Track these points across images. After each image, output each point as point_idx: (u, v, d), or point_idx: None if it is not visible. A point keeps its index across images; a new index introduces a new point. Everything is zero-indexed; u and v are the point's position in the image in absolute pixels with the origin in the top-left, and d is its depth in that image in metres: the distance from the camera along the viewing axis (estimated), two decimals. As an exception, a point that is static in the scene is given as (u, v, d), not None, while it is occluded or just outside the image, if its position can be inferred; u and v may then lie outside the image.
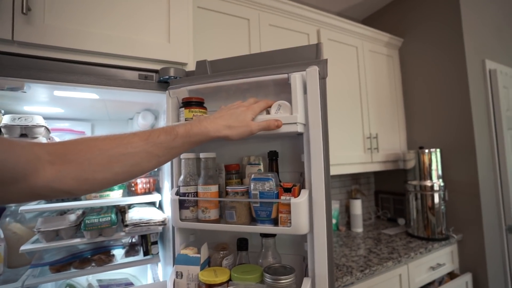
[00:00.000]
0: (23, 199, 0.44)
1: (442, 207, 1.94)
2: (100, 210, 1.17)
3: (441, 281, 1.96)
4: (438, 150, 2.00)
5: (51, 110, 1.28)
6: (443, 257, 1.92)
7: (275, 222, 0.71)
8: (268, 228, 0.69)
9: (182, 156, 0.80)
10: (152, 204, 1.27)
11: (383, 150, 2.21)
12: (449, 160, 2.04)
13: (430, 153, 2.01)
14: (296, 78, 0.67)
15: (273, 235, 0.78)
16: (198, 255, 0.74)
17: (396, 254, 1.71)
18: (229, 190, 0.74)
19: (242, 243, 0.79)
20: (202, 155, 0.77)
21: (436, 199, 1.97)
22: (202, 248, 0.77)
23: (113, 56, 0.97)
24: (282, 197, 0.69)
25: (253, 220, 0.75)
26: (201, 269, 0.75)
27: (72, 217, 1.01)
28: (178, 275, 0.74)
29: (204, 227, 0.75)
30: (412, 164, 2.09)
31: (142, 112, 1.30)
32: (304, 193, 0.68)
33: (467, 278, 1.90)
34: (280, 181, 0.72)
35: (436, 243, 1.88)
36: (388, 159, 2.23)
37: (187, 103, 0.81)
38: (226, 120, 0.60)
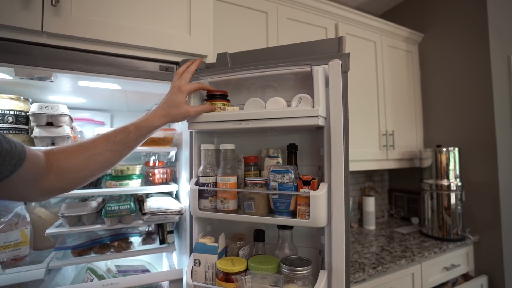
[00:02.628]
0: (41, 196, 0.57)
1: (459, 207, 1.90)
2: (119, 198, 1.21)
3: (455, 282, 1.92)
4: (456, 149, 1.95)
5: (73, 100, 1.32)
6: (458, 258, 1.88)
7: (293, 214, 0.72)
8: (286, 220, 0.70)
9: (202, 146, 0.81)
10: (169, 194, 1.30)
11: (399, 148, 2.17)
12: (467, 159, 1.98)
13: (448, 151, 1.96)
14: (318, 71, 0.67)
15: (290, 227, 0.79)
16: (216, 244, 0.76)
17: (409, 253, 1.69)
18: (248, 181, 0.75)
19: (259, 234, 0.80)
20: (221, 146, 0.78)
21: (453, 199, 1.93)
22: (220, 238, 0.79)
23: (136, 47, 0.99)
24: (301, 190, 0.69)
25: (271, 212, 0.76)
26: (218, 258, 0.77)
27: (94, 203, 1.05)
28: (196, 263, 0.76)
29: (222, 217, 0.76)
30: (429, 162, 2.05)
31: (161, 103, 1.33)
32: (323, 187, 0.68)
33: (483, 280, 1.86)
34: (299, 174, 0.73)
35: (451, 243, 1.84)
36: (403, 157, 2.19)
37: (211, 96, 0.82)
38: (163, 109, 0.71)
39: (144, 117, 0.70)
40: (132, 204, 1.09)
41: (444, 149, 1.96)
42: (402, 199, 2.53)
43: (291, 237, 0.79)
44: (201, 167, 0.81)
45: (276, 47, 0.87)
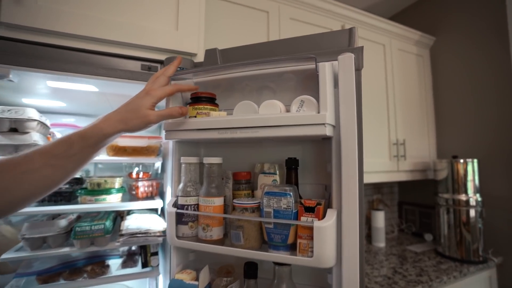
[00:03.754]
0: None
1: (479, 225, 1.72)
2: (96, 214, 1.06)
3: (475, 309, 1.73)
4: (475, 160, 1.78)
5: (52, 103, 1.19)
6: (480, 283, 1.69)
7: (292, 248, 0.57)
8: (283, 257, 0.54)
9: (182, 160, 0.67)
10: (154, 210, 1.16)
11: (411, 158, 2.01)
12: (487, 172, 1.81)
13: (465, 163, 1.79)
14: (325, 68, 0.53)
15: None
16: (195, 283, 0.61)
17: (425, 277, 1.51)
18: (237, 205, 0.60)
19: (250, 269, 0.65)
20: (205, 160, 0.64)
21: (472, 216, 1.75)
22: (202, 273, 0.63)
23: (114, 43, 0.86)
24: (302, 218, 0.54)
25: (264, 244, 0.60)
26: (199, 299, 0.61)
27: (63, 222, 0.90)
28: (171, 305, 0.61)
29: (204, 248, 0.61)
30: (444, 174, 1.88)
31: (148, 108, 1.19)
32: (331, 215, 0.53)
33: (507, 307, 1.66)
34: (300, 197, 0.57)
35: (472, 266, 1.66)
36: (416, 168, 2.03)
37: (196, 99, 0.68)
38: (120, 114, 0.57)
39: (93, 123, 0.56)
40: (108, 223, 0.95)
41: (462, 161, 1.79)
42: (414, 213, 2.35)
43: (289, 274, 0.63)
44: (181, 185, 0.66)
45: (274, 41, 0.73)
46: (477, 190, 1.74)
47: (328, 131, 0.51)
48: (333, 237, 0.52)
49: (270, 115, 0.54)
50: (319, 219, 0.53)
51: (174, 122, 0.64)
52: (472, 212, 1.73)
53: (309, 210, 0.54)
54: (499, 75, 1.77)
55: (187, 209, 0.64)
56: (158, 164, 1.16)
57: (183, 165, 0.67)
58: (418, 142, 2.07)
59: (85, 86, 0.90)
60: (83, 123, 1.42)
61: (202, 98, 0.67)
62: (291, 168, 0.62)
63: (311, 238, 0.53)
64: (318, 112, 0.53)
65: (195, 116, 0.66)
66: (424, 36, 2.11)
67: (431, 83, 2.19)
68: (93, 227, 0.88)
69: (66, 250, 0.87)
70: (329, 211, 0.54)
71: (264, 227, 0.57)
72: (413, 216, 2.34)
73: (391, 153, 1.91)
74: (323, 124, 0.51)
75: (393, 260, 1.74)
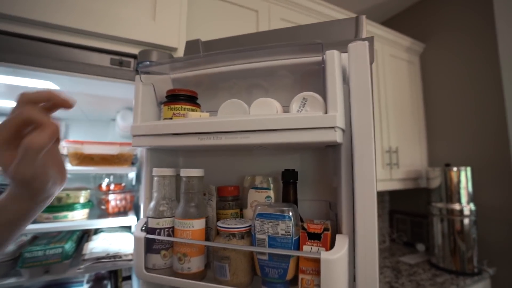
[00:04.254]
0: None
1: (474, 235, 1.67)
2: (57, 233, 0.90)
3: (471, 323, 1.66)
4: (468, 168, 1.74)
5: (7, 103, 1.03)
6: (475, 295, 1.63)
7: (291, 285, 0.45)
8: (281, 298, 0.42)
9: (154, 172, 0.54)
10: (128, 228, 1.01)
11: (404, 166, 1.95)
12: (478, 180, 1.78)
13: (459, 171, 1.74)
14: (334, 56, 0.42)
15: (287, 301, 0.51)
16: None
17: (423, 292, 1.42)
18: (222, 229, 0.47)
19: (238, 308, 0.52)
20: (183, 173, 0.51)
21: (467, 226, 1.70)
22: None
23: (76, 32, 0.72)
24: (305, 247, 0.42)
25: (256, 278, 0.48)
26: None
27: (9, 247, 0.75)
28: None
29: (180, 284, 0.48)
30: (437, 183, 1.83)
31: (122, 111, 1.05)
32: (342, 243, 0.41)
33: (503, 321, 1.61)
34: (302, 221, 0.46)
35: (468, 278, 1.60)
36: (408, 176, 1.97)
37: (172, 98, 0.56)
38: None
39: None
40: (68, 245, 0.79)
41: (455, 169, 1.75)
42: (405, 222, 2.30)
43: (287, 315, 0.51)
44: (152, 203, 0.53)
45: (268, 31, 0.62)
46: (471, 199, 1.70)
47: (338, 137, 0.40)
48: (345, 272, 0.40)
49: (265, 116, 0.42)
50: (326, 249, 0.41)
51: (144, 125, 0.52)
52: (466, 222, 1.68)
53: (314, 237, 0.42)
54: (488, 82, 1.76)
55: (159, 233, 0.51)
56: (132, 175, 1.01)
57: (155, 179, 0.54)
58: (410, 149, 2.02)
59: (41, 83, 0.76)
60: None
61: (180, 96, 0.55)
62: (288, 183, 0.51)
63: (316, 273, 0.42)
64: (325, 113, 0.42)
65: (171, 118, 0.53)
66: (414, 42, 2.09)
67: (421, 90, 2.16)
68: (47, 252, 0.73)
69: (11, 281, 0.71)
70: (338, 237, 0.43)
71: (257, 258, 0.45)
72: (404, 225, 2.28)
73: (384, 161, 1.85)
74: (333, 128, 0.40)
75: (387, 274, 1.66)
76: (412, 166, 2.02)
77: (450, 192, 1.75)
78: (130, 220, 0.91)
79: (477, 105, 1.83)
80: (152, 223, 0.52)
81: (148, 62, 0.65)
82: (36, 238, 0.88)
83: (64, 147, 0.85)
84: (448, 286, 1.51)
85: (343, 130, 0.43)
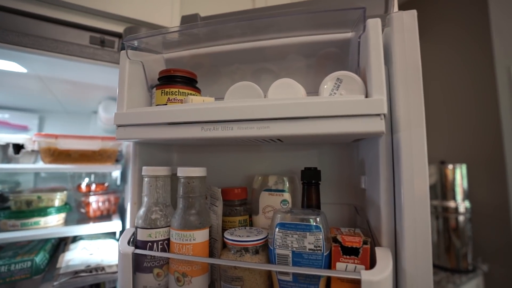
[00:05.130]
0: None
1: (469, 233, 1.66)
2: (27, 243, 0.78)
3: (464, 320, 1.65)
4: (464, 165, 1.72)
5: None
6: (470, 293, 1.62)
7: (320, 311, 0.36)
8: (310, 330, 0.33)
9: (145, 171, 0.44)
10: (112, 234, 0.89)
11: (399, 163, 1.91)
12: (473, 177, 1.78)
13: (454, 168, 1.73)
14: (378, 26, 0.33)
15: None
16: None
17: (422, 293, 1.38)
18: (231, 242, 0.38)
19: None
20: (181, 172, 0.41)
21: (461, 223, 1.69)
22: None
23: (48, 1, 0.60)
24: (339, 265, 0.34)
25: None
26: None
27: (-33, 261, 0.62)
28: None
29: (178, 311, 0.38)
30: (432, 180, 1.81)
31: (104, 101, 0.93)
32: (386, 260, 0.33)
33: (496, 317, 1.61)
34: (333, 235, 0.37)
35: (464, 276, 1.59)
36: (404, 174, 1.93)
37: (167, 79, 0.45)
38: None
39: None
40: (40, 257, 0.68)
41: (450, 166, 1.73)
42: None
43: None
44: (142, 210, 0.43)
45: (280, 5, 0.53)
46: (466, 196, 1.69)
47: (382, 127, 0.32)
48: (390, 296, 0.32)
49: (290, 100, 0.33)
50: (366, 267, 0.33)
51: (132, 112, 0.41)
52: (461, 219, 1.67)
53: (350, 252, 0.34)
54: (482, 80, 1.75)
55: (151, 248, 0.41)
56: (117, 173, 0.90)
57: (145, 180, 0.43)
58: (405, 147, 1.99)
59: (4, 64, 0.63)
60: (20, 120, 1.12)
61: (176, 78, 0.45)
62: (310, 184, 0.42)
63: (354, 297, 0.33)
64: (366, 96, 0.33)
65: (165, 105, 0.43)
66: (409, 37, 2.05)
67: (416, 86, 2.14)
68: (12, 267, 0.61)
69: (-32, 303, 0.59)
70: (379, 252, 0.34)
71: (277, 279, 0.36)
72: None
73: (380, 159, 1.80)
74: (379, 115, 0.31)
75: (385, 274, 1.61)
76: (407, 163, 1.99)
77: (445, 190, 1.73)
78: (115, 225, 0.79)
79: (472, 102, 1.82)
80: (142, 235, 0.41)
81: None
82: (1, 248, 0.75)
83: (35, 141, 0.72)
84: (445, 284, 1.49)
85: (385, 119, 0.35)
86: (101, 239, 0.82)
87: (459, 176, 1.70)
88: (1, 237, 0.65)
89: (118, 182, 0.93)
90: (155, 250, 0.41)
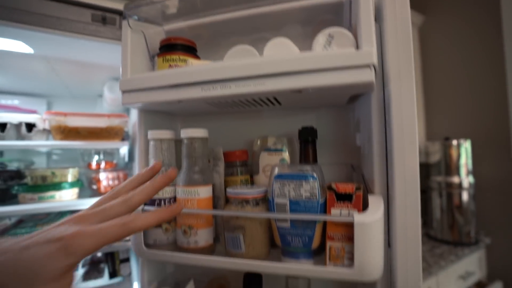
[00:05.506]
0: None
1: (472, 207, 1.68)
2: (45, 216, 0.83)
3: (467, 291, 1.70)
4: (468, 141, 1.72)
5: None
6: (472, 264, 1.67)
7: (317, 255, 0.39)
8: (307, 269, 0.36)
9: (150, 134, 0.46)
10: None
11: (402, 141, 1.91)
12: (477, 153, 1.77)
13: (458, 144, 1.72)
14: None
15: (308, 274, 0.46)
16: (176, 312, 0.42)
17: (424, 263, 1.43)
18: (233, 196, 0.41)
19: (252, 283, 0.47)
20: (184, 133, 0.44)
21: (465, 198, 1.70)
22: (185, 293, 0.44)
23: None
24: (333, 211, 0.36)
25: (274, 248, 0.42)
26: (182, 333, 0.42)
27: (-9, 230, 0.67)
28: None
29: (187, 260, 0.42)
30: (437, 157, 1.81)
31: (109, 82, 0.95)
32: (377, 204, 0.35)
33: (498, 287, 1.66)
34: (328, 183, 0.39)
35: (466, 248, 1.62)
36: (407, 152, 1.93)
37: (168, 47, 0.47)
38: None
39: None
40: (57, 227, 0.72)
41: (455, 142, 1.73)
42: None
43: (309, 289, 0.46)
44: (150, 171, 0.46)
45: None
46: (470, 172, 1.69)
47: (372, 77, 0.33)
48: (381, 236, 0.35)
49: (284, 56, 0.35)
50: (359, 211, 0.35)
51: (136, 78, 0.43)
52: (465, 195, 1.68)
53: (344, 198, 0.36)
54: (490, 54, 1.71)
55: (159, 205, 0.44)
56: (124, 151, 0.93)
57: (151, 143, 0.46)
58: (409, 124, 1.98)
59: (11, 43, 0.66)
60: (30, 106, 1.15)
61: (176, 46, 0.47)
62: (307, 142, 0.44)
63: (347, 239, 0.36)
64: (357, 48, 0.35)
65: (167, 71, 0.45)
66: (414, 14, 2.01)
67: (420, 65, 2.10)
68: (33, 235, 0.66)
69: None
70: (372, 198, 0.37)
71: (276, 227, 0.38)
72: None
73: (383, 136, 1.80)
74: (368, 66, 0.33)
75: (388, 248, 1.65)
76: (411, 141, 1.99)
77: (450, 166, 1.74)
78: (125, 199, 0.84)
79: (477, 78, 1.79)
80: (151, 193, 0.45)
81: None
82: (21, 221, 0.80)
83: (45, 119, 0.75)
84: (447, 256, 1.52)
85: (376, 72, 0.36)
86: (113, 213, 0.87)
87: (464, 151, 1.70)
88: (21, 208, 0.69)
89: (126, 159, 0.97)
90: (161, 206, 0.44)
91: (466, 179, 1.67)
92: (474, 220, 1.66)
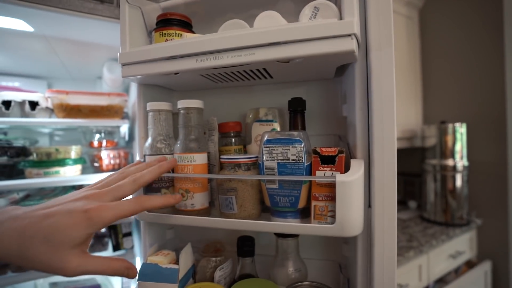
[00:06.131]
0: None
1: (465, 192, 1.72)
2: (51, 191, 0.87)
3: (457, 270, 1.77)
4: (464, 124, 1.74)
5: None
6: (463, 244, 1.73)
7: (303, 214, 0.42)
8: (293, 226, 0.40)
9: (149, 106, 0.49)
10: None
11: (399, 126, 1.92)
12: (472, 137, 1.79)
13: (454, 128, 1.75)
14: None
15: (296, 234, 0.49)
16: (175, 267, 0.46)
17: (416, 242, 1.49)
18: (226, 161, 0.44)
19: (245, 245, 0.51)
20: (180, 104, 0.47)
21: (459, 181, 1.74)
22: (183, 253, 0.48)
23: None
24: (318, 173, 0.40)
25: (265, 210, 0.46)
26: (181, 287, 0.47)
27: (0, 202, 0.71)
28: (143, 297, 0.46)
29: (185, 221, 0.46)
30: (433, 141, 1.83)
31: (108, 62, 0.97)
32: (358, 165, 0.39)
33: (487, 267, 1.73)
34: (313, 147, 0.43)
35: (457, 228, 1.67)
36: (403, 136, 1.96)
37: (164, 22, 0.49)
38: (20, 237, 0.28)
39: None
40: (63, 200, 0.76)
41: (450, 125, 1.75)
42: (398, 182, 2.33)
43: (296, 248, 0.50)
44: (149, 141, 0.49)
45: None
46: (465, 155, 1.72)
47: (355, 46, 0.36)
48: (361, 195, 0.38)
49: (271, 27, 0.37)
50: (341, 173, 0.39)
51: (134, 51, 0.46)
52: (459, 177, 1.71)
53: (328, 161, 0.39)
54: (489, 38, 1.70)
55: (158, 172, 0.48)
56: (124, 129, 0.96)
57: (150, 114, 0.49)
58: (405, 108, 1.99)
59: (11, 22, 0.67)
60: (30, 87, 1.17)
61: (172, 21, 0.49)
62: (296, 112, 0.47)
63: (330, 198, 0.39)
64: (340, 19, 0.37)
65: (164, 46, 0.47)
66: (414, -4, 1.99)
67: (419, 47, 2.09)
68: (41, 206, 0.70)
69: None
70: (353, 161, 0.40)
71: (266, 188, 0.42)
72: (398, 185, 2.33)
73: (380, 119, 1.82)
74: (349, 35, 0.35)
75: (382, 228, 1.70)
76: (407, 125, 2.00)
77: (445, 149, 1.76)
78: (126, 175, 0.87)
79: (476, 62, 1.79)
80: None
81: None
82: (29, 196, 0.84)
83: (48, 97, 0.78)
84: (439, 236, 1.57)
85: (358, 43, 0.39)
86: (115, 189, 0.90)
87: (459, 135, 1.72)
88: (28, 182, 0.73)
89: (126, 138, 1.00)
90: (162, 173, 0.47)
91: (460, 162, 1.70)
92: (467, 204, 1.71)
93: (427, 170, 1.82)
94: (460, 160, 1.71)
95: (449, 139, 1.74)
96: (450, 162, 1.74)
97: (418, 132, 2.01)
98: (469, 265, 1.78)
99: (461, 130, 1.70)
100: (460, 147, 1.72)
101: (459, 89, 1.88)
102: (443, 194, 1.75)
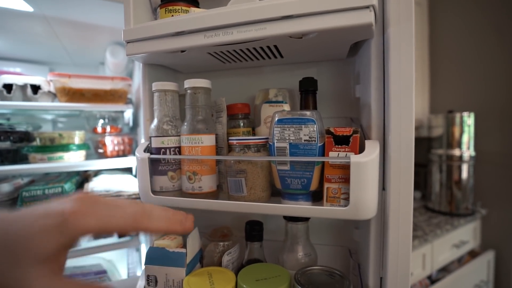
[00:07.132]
0: None
1: (471, 183, 1.70)
2: (56, 177, 0.86)
3: (460, 259, 1.77)
4: (472, 114, 1.70)
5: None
6: (467, 234, 1.72)
7: (314, 197, 0.41)
8: (305, 208, 0.39)
9: (154, 86, 0.47)
10: (128, 170, 0.97)
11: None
12: (480, 126, 1.76)
13: (461, 117, 1.71)
14: None
15: (306, 218, 0.48)
16: (183, 250, 0.45)
17: (420, 232, 1.48)
18: (235, 142, 0.43)
19: (253, 230, 0.50)
20: (187, 83, 0.45)
21: (465, 171, 1.72)
22: (190, 237, 0.47)
23: None
24: (331, 154, 0.38)
25: (275, 193, 0.45)
26: (188, 272, 0.46)
27: (5, 187, 0.70)
28: (150, 281, 0.45)
29: (192, 204, 0.44)
30: (440, 131, 1.80)
31: (110, 46, 0.95)
32: (373, 146, 0.37)
33: (490, 256, 1.72)
34: (326, 127, 0.41)
35: (462, 218, 1.66)
36: (410, 125, 1.93)
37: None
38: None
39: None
40: (68, 185, 0.76)
41: (458, 115, 1.71)
42: (403, 172, 2.31)
43: (306, 233, 0.49)
44: (155, 122, 0.48)
45: None
46: (472, 145, 1.70)
47: (373, 19, 0.34)
48: (376, 177, 0.37)
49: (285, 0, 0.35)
50: (355, 154, 0.37)
51: (139, 27, 0.44)
52: (465, 168, 1.69)
53: (342, 141, 0.38)
54: (499, 27, 1.65)
55: (164, 153, 0.46)
56: (128, 115, 0.95)
57: (155, 95, 0.48)
58: (413, 97, 1.96)
59: (12, 1, 0.65)
60: (32, 73, 1.15)
61: (178, -4, 0.46)
62: (307, 92, 0.45)
63: (344, 181, 0.38)
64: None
65: (170, 22, 0.45)
66: (425, -20, 1.92)
67: (428, 34, 2.04)
68: (47, 191, 0.69)
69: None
70: (368, 142, 0.38)
71: (276, 170, 0.40)
72: (402, 174, 2.31)
73: (386, 108, 1.79)
74: (367, 7, 0.33)
75: (387, 218, 1.70)
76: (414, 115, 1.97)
77: (452, 139, 1.74)
78: (130, 161, 0.86)
79: (484, 51, 1.74)
80: (156, 143, 0.47)
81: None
82: (33, 181, 0.84)
83: (50, 81, 0.76)
84: (443, 225, 1.56)
85: (375, 16, 0.36)
86: (118, 174, 0.89)
87: (467, 125, 1.70)
88: (32, 167, 0.72)
89: (131, 124, 0.99)
90: (167, 154, 0.46)
91: (467, 152, 1.68)
92: (472, 194, 1.69)
93: (433, 160, 1.80)
94: (466, 150, 1.68)
95: (456, 130, 1.71)
96: (456, 152, 1.72)
97: (425, 122, 1.97)
98: (472, 254, 1.78)
99: (469, 121, 1.67)
100: (468, 138, 1.69)
101: (467, 78, 1.84)
102: (449, 185, 1.73)
